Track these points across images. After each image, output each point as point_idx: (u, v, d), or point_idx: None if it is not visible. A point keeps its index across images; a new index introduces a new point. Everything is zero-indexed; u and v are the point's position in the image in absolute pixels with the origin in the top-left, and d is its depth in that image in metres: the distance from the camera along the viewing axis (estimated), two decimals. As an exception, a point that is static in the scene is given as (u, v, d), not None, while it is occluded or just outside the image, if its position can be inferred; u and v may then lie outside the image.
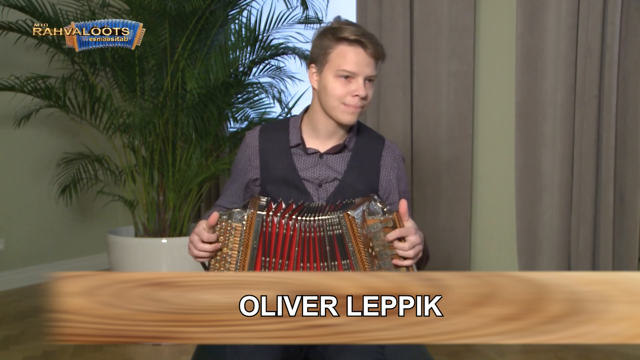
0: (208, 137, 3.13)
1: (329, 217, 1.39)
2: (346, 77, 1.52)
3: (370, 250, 1.37)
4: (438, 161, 3.44)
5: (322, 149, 1.61)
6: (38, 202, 4.03)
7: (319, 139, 1.61)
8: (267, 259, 1.42)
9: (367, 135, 1.66)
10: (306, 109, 1.66)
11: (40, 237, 4.09)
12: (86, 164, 3.44)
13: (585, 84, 2.96)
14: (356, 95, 1.51)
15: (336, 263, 1.40)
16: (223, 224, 1.42)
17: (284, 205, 1.47)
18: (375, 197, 1.42)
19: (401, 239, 1.35)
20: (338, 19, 1.58)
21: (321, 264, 1.42)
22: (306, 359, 1.57)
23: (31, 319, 3.35)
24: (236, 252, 1.42)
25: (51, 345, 2.94)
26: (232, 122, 3.52)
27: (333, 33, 1.54)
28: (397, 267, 1.37)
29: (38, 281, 4.06)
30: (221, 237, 1.43)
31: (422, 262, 1.46)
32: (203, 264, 1.51)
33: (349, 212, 1.36)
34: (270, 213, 1.41)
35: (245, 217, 1.41)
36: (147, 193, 3.15)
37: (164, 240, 2.95)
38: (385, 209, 1.37)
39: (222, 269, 1.44)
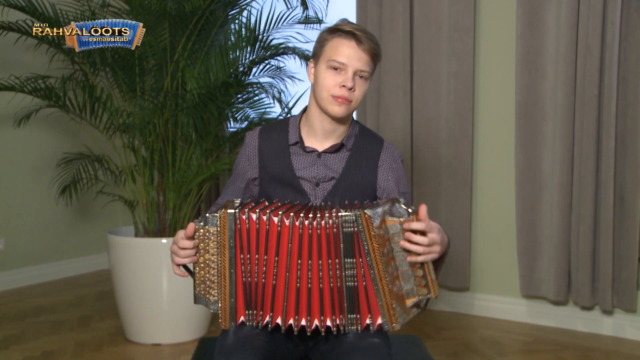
0: (208, 137, 3.13)
1: (346, 214, 1.36)
2: (337, 68, 1.53)
3: (385, 250, 1.36)
4: (438, 161, 3.43)
5: (321, 148, 1.61)
6: (38, 202, 4.03)
7: (316, 137, 1.62)
8: (249, 256, 1.40)
9: (367, 135, 1.66)
10: (305, 109, 1.66)
11: (40, 237, 4.09)
12: (86, 164, 3.44)
13: (585, 84, 2.96)
14: (343, 86, 1.52)
15: (353, 260, 1.38)
16: (201, 230, 1.42)
17: (267, 204, 1.45)
18: (401, 199, 1.40)
19: (422, 233, 1.33)
20: (344, 19, 1.60)
21: (336, 260, 1.38)
22: (306, 358, 1.57)
23: (31, 319, 3.35)
24: (216, 256, 1.42)
25: (51, 345, 2.94)
26: (232, 122, 3.51)
27: (331, 27, 1.57)
28: (412, 263, 1.35)
29: (38, 281, 4.07)
30: (201, 243, 1.43)
31: (439, 262, 1.42)
32: (190, 270, 1.50)
33: (365, 211, 1.35)
34: (247, 210, 1.39)
35: (218, 218, 1.40)
36: (147, 193, 3.15)
37: (164, 240, 2.94)
38: (410, 210, 1.35)
39: (207, 275, 1.44)
